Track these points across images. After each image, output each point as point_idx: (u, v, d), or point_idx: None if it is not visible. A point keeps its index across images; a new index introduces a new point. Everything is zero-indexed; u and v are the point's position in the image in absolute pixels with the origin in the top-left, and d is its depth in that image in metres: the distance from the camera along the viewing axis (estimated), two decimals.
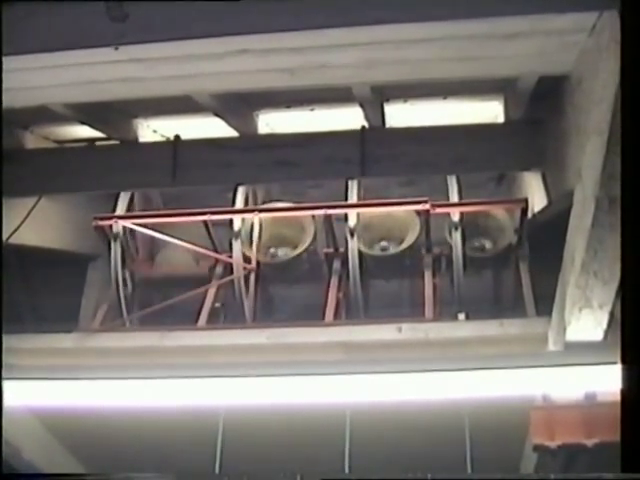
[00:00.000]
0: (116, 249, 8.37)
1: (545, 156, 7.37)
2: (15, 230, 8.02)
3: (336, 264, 8.54)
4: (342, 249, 8.46)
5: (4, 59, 4.76)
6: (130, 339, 7.74)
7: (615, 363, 5.73)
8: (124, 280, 8.53)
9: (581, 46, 5.36)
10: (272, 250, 8.91)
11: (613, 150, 4.55)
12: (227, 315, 8.71)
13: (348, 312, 8.37)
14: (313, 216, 8.62)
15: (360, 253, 8.24)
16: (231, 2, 4.63)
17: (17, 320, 8.11)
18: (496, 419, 6.82)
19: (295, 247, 8.79)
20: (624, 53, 4.02)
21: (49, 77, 5.80)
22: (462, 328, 7.49)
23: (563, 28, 5.17)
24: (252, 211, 8.49)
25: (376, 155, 7.54)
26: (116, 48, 4.98)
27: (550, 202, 7.69)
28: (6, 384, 5.67)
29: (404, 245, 8.55)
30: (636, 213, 4.18)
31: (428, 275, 8.36)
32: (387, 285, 9.07)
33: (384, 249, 8.71)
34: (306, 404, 6.48)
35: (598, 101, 4.80)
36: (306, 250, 8.66)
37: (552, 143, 7.05)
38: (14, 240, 8.03)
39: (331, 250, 8.62)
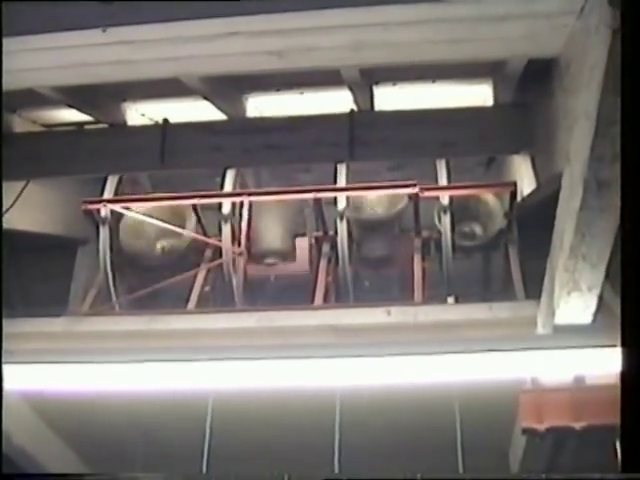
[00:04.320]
0: (104, 233, 8.34)
1: (534, 139, 7.38)
2: (3, 214, 7.99)
3: (325, 247, 8.54)
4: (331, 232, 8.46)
5: None
6: (119, 323, 7.73)
7: (604, 346, 5.79)
8: (112, 264, 8.49)
9: (570, 29, 5.37)
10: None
11: (602, 132, 4.56)
12: (216, 299, 8.71)
13: (337, 295, 8.37)
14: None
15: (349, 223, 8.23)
16: None
17: (6, 304, 8.09)
18: (485, 402, 6.85)
19: None
20: (624, 37, 4.01)
21: (36, 60, 5.79)
22: (451, 311, 7.50)
23: (552, 11, 5.19)
24: (241, 194, 8.47)
25: (365, 138, 7.54)
26: (104, 30, 4.98)
27: (539, 185, 7.70)
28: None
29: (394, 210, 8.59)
30: (635, 195, 4.18)
31: (417, 259, 8.35)
32: (376, 267, 9.07)
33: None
34: (296, 387, 6.49)
35: (586, 83, 4.80)
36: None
37: (541, 126, 7.06)
38: (3, 224, 8.00)
39: (320, 234, 8.62)
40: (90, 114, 7.92)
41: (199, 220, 8.57)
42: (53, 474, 8.29)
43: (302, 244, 8.84)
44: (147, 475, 7.31)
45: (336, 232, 8.19)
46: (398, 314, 7.29)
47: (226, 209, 8.32)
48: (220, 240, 8.42)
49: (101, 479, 7.89)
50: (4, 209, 7.95)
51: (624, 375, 4.12)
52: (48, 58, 5.77)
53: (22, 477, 7.84)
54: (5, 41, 4.93)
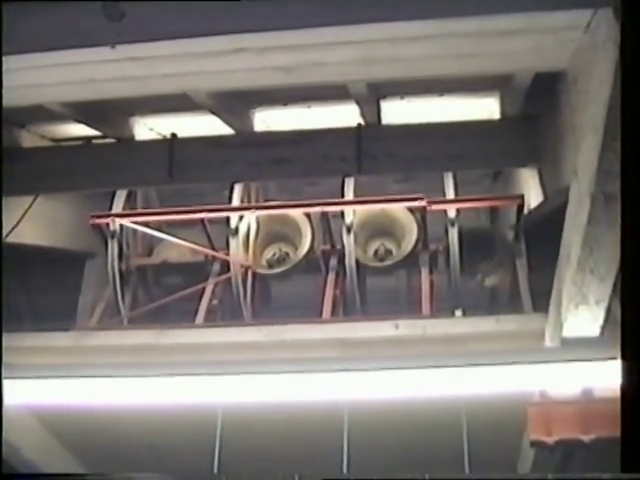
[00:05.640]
0: (113, 247, 8.36)
1: (541, 153, 7.38)
2: (12, 229, 8.01)
3: (333, 261, 8.55)
4: (339, 246, 8.46)
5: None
6: (128, 337, 7.75)
7: (612, 359, 5.79)
8: (121, 278, 8.50)
9: (576, 43, 5.38)
10: (269, 256, 8.94)
11: (609, 147, 4.57)
12: (225, 312, 8.72)
13: (345, 309, 8.38)
14: (309, 216, 8.61)
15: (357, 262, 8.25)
16: (228, 1, 4.63)
17: (15, 319, 8.11)
18: (493, 415, 6.83)
19: (293, 245, 8.81)
20: (623, 51, 4.02)
21: (45, 76, 5.81)
22: (459, 324, 7.51)
23: (558, 25, 5.20)
24: (248, 208, 8.49)
25: (372, 152, 7.56)
26: (113, 47, 4.99)
27: (546, 198, 7.70)
28: (4, 383, 5.69)
29: (402, 252, 8.55)
30: (635, 209, 4.18)
31: (425, 272, 8.35)
32: (384, 282, 9.07)
33: (382, 259, 8.70)
34: (304, 401, 6.49)
35: (594, 98, 4.82)
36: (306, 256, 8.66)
37: (548, 140, 7.07)
38: (11, 239, 8.02)
39: (328, 247, 8.63)
40: (98, 129, 7.95)
41: (207, 234, 8.58)
42: (53, 474, 8.29)
43: None
44: (146, 475, 7.31)
45: (343, 245, 8.21)
46: (406, 327, 7.30)
47: (234, 223, 8.35)
48: (228, 254, 8.44)
49: (101, 479, 7.90)
50: (13, 223, 7.98)
51: (624, 387, 4.13)
52: (57, 74, 5.79)
53: (22, 477, 7.86)
54: (14, 58, 4.94)
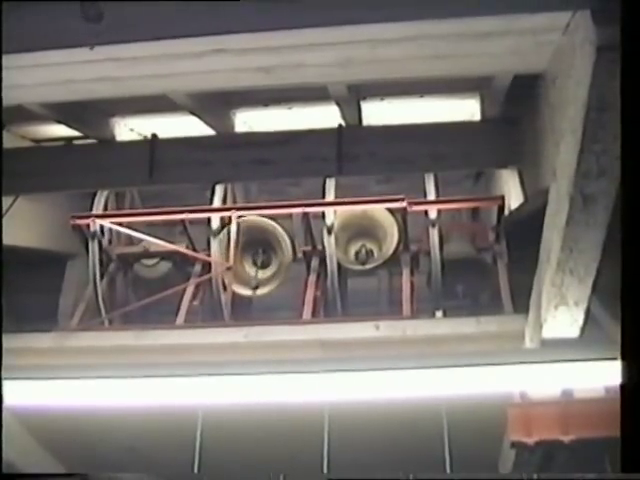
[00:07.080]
0: (94, 248, 8.35)
1: (521, 154, 7.41)
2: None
3: (314, 262, 8.55)
4: (320, 247, 8.46)
5: None
6: (108, 338, 7.74)
7: (591, 360, 5.82)
8: (102, 279, 8.49)
9: (555, 45, 5.40)
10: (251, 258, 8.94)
11: (587, 148, 4.60)
12: (205, 313, 8.71)
13: (326, 310, 8.38)
14: (287, 225, 8.63)
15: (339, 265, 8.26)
16: (207, 2, 4.62)
17: None
18: (474, 416, 6.84)
19: (274, 248, 8.82)
20: (624, 54, 4.03)
21: (25, 76, 5.78)
22: (439, 325, 7.52)
23: (537, 27, 5.21)
24: (229, 209, 8.49)
25: (353, 153, 7.56)
26: (91, 48, 4.97)
27: (526, 200, 7.72)
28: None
29: (383, 254, 8.55)
30: (635, 209, 4.18)
31: (406, 273, 8.36)
32: (365, 282, 9.08)
33: (363, 261, 8.69)
34: (284, 402, 6.49)
35: (572, 100, 4.84)
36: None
37: (528, 141, 7.08)
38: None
39: (309, 248, 8.63)
40: (79, 129, 7.93)
41: (188, 235, 8.58)
42: (53, 474, 8.27)
43: None
44: (136, 475, 7.30)
45: (324, 246, 8.22)
46: (387, 328, 7.31)
47: (215, 224, 8.35)
48: (209, 255, 8.43)
49: (102, 478, 7.88)
50: None
51: (624, 389, 4.14)
52: (37, 75, 5.78)
53: (22, 477, 7.83)
54: None
